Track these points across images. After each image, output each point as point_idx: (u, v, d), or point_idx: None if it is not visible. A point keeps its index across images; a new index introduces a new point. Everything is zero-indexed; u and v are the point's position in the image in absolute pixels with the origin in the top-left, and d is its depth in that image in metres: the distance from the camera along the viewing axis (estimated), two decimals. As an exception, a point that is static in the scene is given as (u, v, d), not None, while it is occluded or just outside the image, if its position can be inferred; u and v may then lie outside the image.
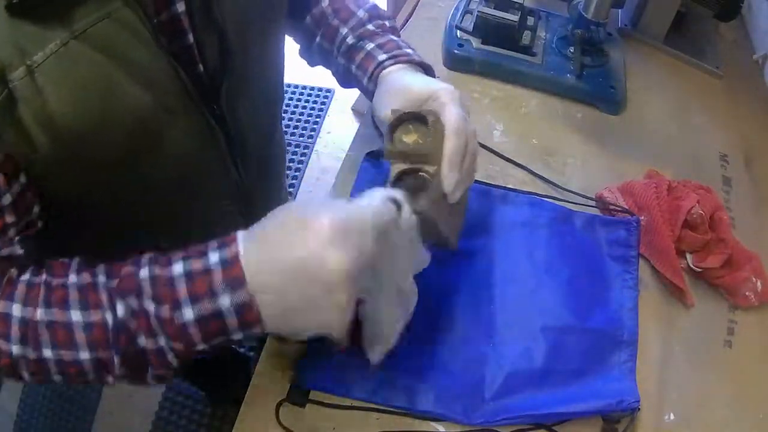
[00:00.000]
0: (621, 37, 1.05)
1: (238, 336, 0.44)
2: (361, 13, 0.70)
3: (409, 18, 1.08)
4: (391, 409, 0.63)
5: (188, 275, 0.42)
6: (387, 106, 0.58)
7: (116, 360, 0.44)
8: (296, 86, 2.27)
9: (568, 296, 0.71)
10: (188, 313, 0.41)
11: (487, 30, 0.94)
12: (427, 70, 0.67)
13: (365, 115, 0.90)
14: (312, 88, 2.26)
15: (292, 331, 0.44)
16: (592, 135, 0.91)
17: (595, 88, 0.94)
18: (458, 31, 0.97)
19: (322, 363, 0.65)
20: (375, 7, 0.72)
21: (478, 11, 0.93)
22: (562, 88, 0.94)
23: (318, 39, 0.71)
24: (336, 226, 0.41)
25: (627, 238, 0.76)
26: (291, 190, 1.97)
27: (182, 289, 0.42)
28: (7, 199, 0.47)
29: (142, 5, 0.47)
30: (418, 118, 0.56)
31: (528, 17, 0.97)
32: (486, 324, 0.69)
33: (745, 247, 0.77)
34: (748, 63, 1.07)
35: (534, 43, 0.96)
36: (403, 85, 0.61)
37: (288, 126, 2.15)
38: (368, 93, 0.67)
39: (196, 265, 0.42)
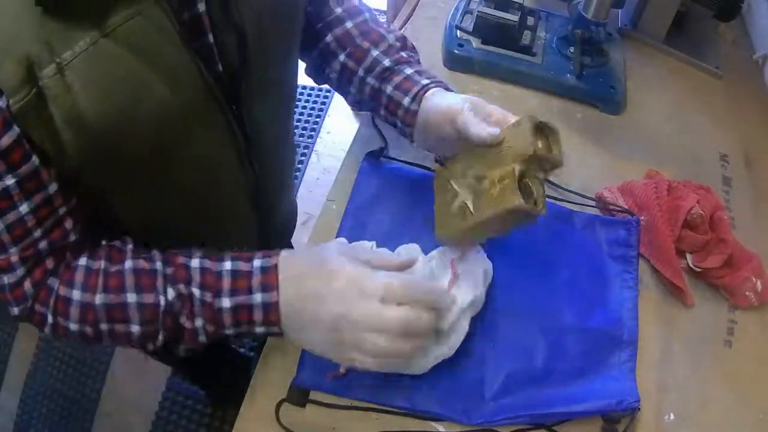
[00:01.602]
0: (621, 37, 1.05)
1: (260, 330, 0.53)
2: (391, 39, 0.71)
3: (409, 18, 1.08)
4: (391, 409, 0.63)
5: (234, 272, 0.51)
6: (455, 106, 0.64)
7: (161, 335, 0.52)
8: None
9: (568, 296, 0.71)
10: (226, 302, 0.50)
11: (487, 30, 0.94)
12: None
13: (365, 115, 0.90)
14: (312, 88, 2.26)
15: (294, 340, 0.54)
16: (592, 135, 0.91)
17: (595, 88, 0.94)
18: (458, 31, 0.97)
19: (322, 363, 0.64)
20: (404, 37, 0.74)
21: (478, 11, 0.93)
22: (562, 88, 0.94)
23: (342, 58, 0.71)
24: (387, 291, 0.50)
25: (627, 237, 0.76)
26: (291, 190, 1.97)
27: (227, 282, 0.51)
28: (54, 187, 0.50)
29: (169, 4, 0.47)
30: (542, 128, 0.60)
31: (528, 17, 0.97)
32: (486, 324, 0.69)
33: (745, 247, 0.77)
34: (748, 63, 1.07)
35: (534, 43, 0.96)
36: (444, 102, 0.65)
37: (288, 126, 2.15)
38: (405, 112, 0.69)
39: (242, 266, 0.52)
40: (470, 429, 0.62)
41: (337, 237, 0.74)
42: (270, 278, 0.50)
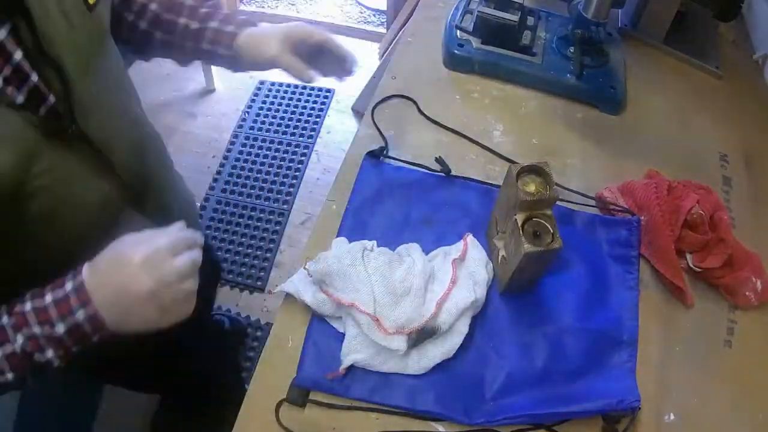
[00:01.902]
0: (621, 37, 1.05)
1: (97, 338, 0.57)
2: (188, 1, 0.80)
3: (409, 18, 1.08)
4: (391, 409, 0.63)
5: (56, 302, 0.56)
6: (272, 49, 0.74)
7: (29, 372, 0.58)
8: (296, 86, 2.27)
9: (569, 296, 0.71)
10: (60, 328, 0.55)
11: (487, 30, 0.94)
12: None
13: (365, 115, 0.90)
14: (312, 88, 2.26)
15: (129, 330, 0.57)
16: (592, 135, 0.91)
17: (595, 88, 0.94)
18: (458, 31, 0.97)
19: (322, 363, 0.64)
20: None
21: (478, 11, 0.93)
22: (562, 88, 0.94)
23: (159, 35, 0.79)
24: (141, 258, 0.56)
25: (628, 237, 0.75)
26: (291, 190, 1.97)
27: (53, 312, 0.56)
28: None
29: None
30: (533, 170, 0.65)
31: (528, 17, 0.97)
32: (486, 324, 0.69)
33: (745, 247, 0.77)
34: (748, 63, 1.07)
35: (534, 43, 0.96)
36: (271, 33, 0.75)
37: (288, 126, 2.15)
38: (222, 59, 0.78)
39: (59, 293, 0.56)
40: (470, 429, 0.62)
41: (337, 236, 0.74)
42: (82, 294, 0.55)
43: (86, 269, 0.57)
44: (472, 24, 0.96)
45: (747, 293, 0.74)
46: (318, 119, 2.18)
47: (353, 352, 0.64)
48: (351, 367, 0.64)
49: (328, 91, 2.26)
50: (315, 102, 2.23)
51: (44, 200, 0.59)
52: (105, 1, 0.66)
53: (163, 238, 0.57)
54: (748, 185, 0.88)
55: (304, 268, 0.67)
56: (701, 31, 1.09)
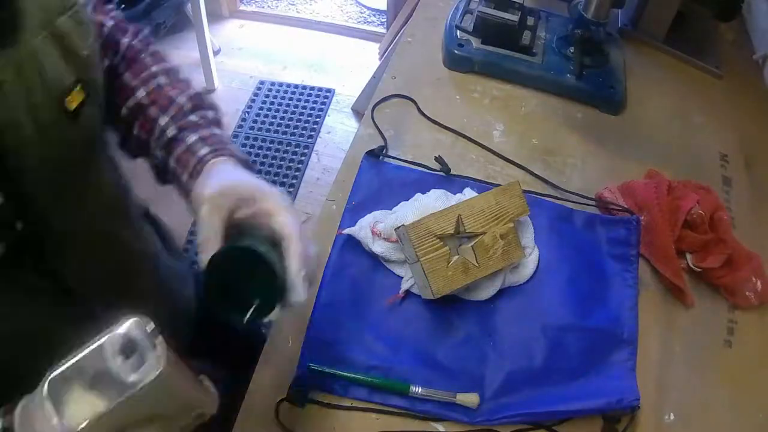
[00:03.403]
0: (621, 37, 1.05)
1: None
2: (182, 100, 0.63)
3: (409, 18, 1.08)
4: (391, 409, 0.63)
5: None
6: (206, 192, 0.53)
7: None
8: (296, 86, 2.27)
9: (569, 295, 0.71)
10: None
11: (487, 30, 0.94)
12: (249, 166, 0.61)
13: (365, 115, 0.90)
14: (312, 88, 2.26)
15: None
16: (592, 135, 0.91)
17: (595, 88, 0.94)
18: (458, 31, 0.97)
19: (321, 362, 0.64)
20: (199, 95, 0.66)
21: (478, 11, 0.93)
22: (562, 88, 0.94)
23: (135, 130, 0.63)
24: None
25: (627, 237, 0.76)
26: (291, 190, 1.97)
27: None
28: None
29: None
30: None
31: (528, 17, 0.97)
32: (486, 323, 0.69)
33: (745, 247, 0.77)
34: (748, 63, 1.07)
35: (534, 43, 0.96)
36: (229, 177, 0.55)
37: (288, 126, 2.15)
38: (183, 190, 0.59)
39: None
40: (470, 429, 0.62)
41: (336, 235, 0.74)
42: None
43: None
44: (472, 24, 0.96)
45: (747, 293, 0.74)
46: (318, 119, 2.18)
47: (407, 281, 0.70)
48: (351, 367, 0.64)
49: (329, 91, 2.26)
50: (315, 102, 2.23)
51: None
52: (93, 99, 0.53)
53: None
54: (748, 185, 0.88)
55: (372, 230, 0.71)
56: (701, 31, 1.09)
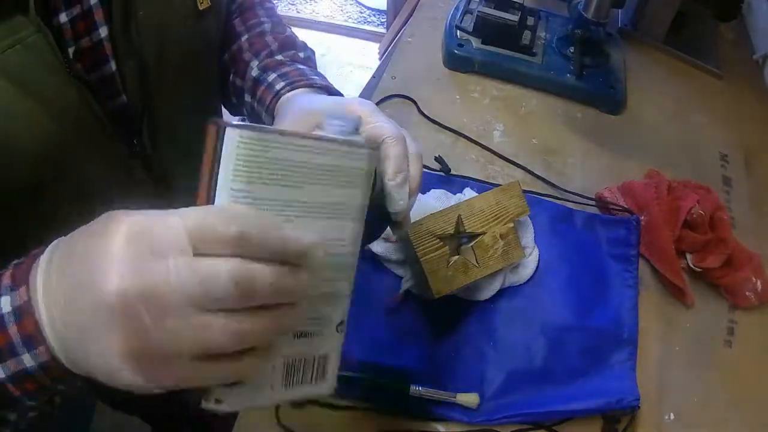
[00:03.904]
0: (621, 37, 1.05)
1: (61, 387, 0.36)
2: (270, 40, 0.63)
3: (409, 18, 1.08)
4: (391, 409, 0.63)
5: None
6: (287, 124, 0.52)
7: None
8: (296, 86, 2.26)
9: (569, 295, 0.71)
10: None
11: (487, 30, 0.94)
12: (331, 92, 0.59)
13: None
14: (312, 88, 2.26)
15: (91, 372, 0.33)
16: (592, 135, 0.91)
17: (595, 88, 0.94)
18: (458, 31, 0.97)
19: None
20: (291, 36, 0.65)
21: (478, 11, 0.93)
22: (562, 88, 0.94)
23: (231, 77, 0.63)
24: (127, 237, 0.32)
25: (627, 236, 0.76)
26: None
27: None
28: None
29: (59, 31, 0.44)
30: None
31: (528, 17, 0.97)
32: (486, 323, 0.69)
33: (745, 247, 0.77)
34: (748, 63, 1.07)
35: (534, 43, 0.96)
36: (303, 106, 0.52)
37: (288, 126, 2.15)
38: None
39: None
40: (470, 429, 0.62)
41: None
42: (28, 320, 0.33)
43: (45, 257, 0.34)
44: (472, 24, 0.95)
45: (747, 293, 0.74)
46: (318, 119, 2.17)
47: (407, 281, 0.69)
48: (350, 368, 0.64)
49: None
50: (315, 102, 2.23)
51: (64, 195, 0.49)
52: (216, 10, 0.57)
53: (191, 220, 0.30)
54: (748, 185, 0.88)
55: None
56: (701, 31, 1.09)
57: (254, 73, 0.60)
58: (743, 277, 0.74)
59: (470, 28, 0.96)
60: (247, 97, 0.61)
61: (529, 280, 0.72)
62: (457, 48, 0.95)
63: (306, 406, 0.63)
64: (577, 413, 0.63)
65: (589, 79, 0.94)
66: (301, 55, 0.63)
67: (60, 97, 0.45)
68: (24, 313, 0.33)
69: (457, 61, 0.96)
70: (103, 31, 0.46)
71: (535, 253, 0.74)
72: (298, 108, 0.53)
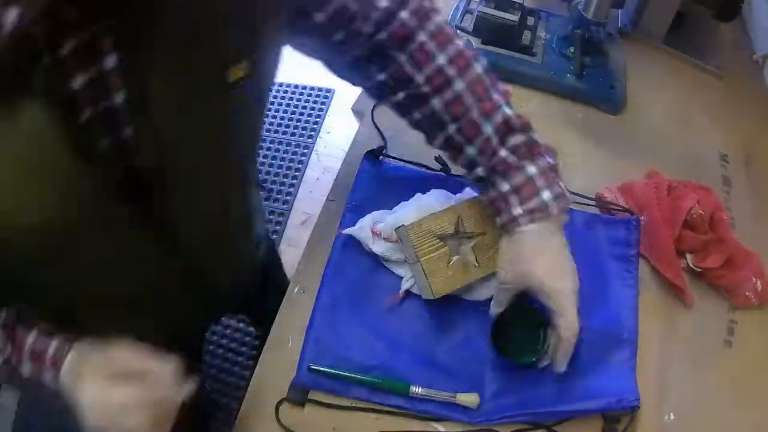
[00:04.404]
0: (621, 37, 1.05)
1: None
2: (488, 130, 0.61)
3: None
4: (391, 409, 0.63)
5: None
6: (512, 276, 0.61)
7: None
8: (296, 86, 2.26)
9: None
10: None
11: (487, 30, 0.94)
12: (561, 215, 0.62)
13: (365, 115, 0.90)
14: (312, 88, 2.26)
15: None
16: (592, 135, 0.91)
17: (595, 88, 0.94)
18: (458, 31, 0.97)
19: (321, 362, 0.64)
20: (506, 118, 0.61)
21: (478, 11, 0.93)
22: (562, 88, 0.94)
23: (451, 130, 0.62)
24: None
25: (627, 237, 0.76)
26: (291, 190, 1.97)
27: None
28: None
29: (71, 99, 0.41)
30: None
31: (528, 17, 0.97)
32: (486, 322, 0.69)
33: (745, 247, 0.77)
34: (748, 63, 1.07)
35: (534, 43, 0.96)
36: (526, 263, 0.60)
37: (288, 126, 2.15)
38: (499, 225, 0.63)
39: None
40: (470, 429, 0.62)
41: (336, 235, 0.74)
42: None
43: (71, 359, 0.52)
44: (472, 24, 0.95)
45: (747, 293, 0.74)
46: (318, 119, 2.18)
47: (407, 281, 0.70)
48: (351, 367, 0.64)
49: (328, 91, 2.26)
50: (315, 102, 2.23)
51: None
52: (261, 77, 0.53)
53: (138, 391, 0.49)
54: (748, 185, 0.88)
55: (372, 230, 0.71)
56: (701, 31, 1.08)
57: (480, 172, 0.62)
58: (743, 277, 0.74)
59: (470, 28, 0.96)
60: (480, 170, 0.63)
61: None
62: (457, 48, 0.95)
63: (306, 405, 0.63)
64: (577, 413, 0.63)
65: (589, 79, 0.94)
66: (522, 138, 0.61)
67: (66, 172, 0.44)
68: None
69: (457, 61, 0.96)
70: (119, 97, 0.43)
71: None
72: (521, 264, 0.61)
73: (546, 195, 0.60)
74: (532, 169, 0.60)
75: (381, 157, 0.82)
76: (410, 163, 0.82)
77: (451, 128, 0.62)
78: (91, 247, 0.50)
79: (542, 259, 0.60)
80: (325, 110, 2.21)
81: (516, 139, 0.61)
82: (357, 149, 0.84)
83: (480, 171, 0.62)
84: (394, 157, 0.83)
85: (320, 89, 2.26)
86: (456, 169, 0.81)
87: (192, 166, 0.52)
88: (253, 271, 0.84)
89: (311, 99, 2.24)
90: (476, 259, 0.67)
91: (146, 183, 0.50)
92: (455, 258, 0.66)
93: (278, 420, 0.61)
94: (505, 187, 0.60)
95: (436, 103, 0.61)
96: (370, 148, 0.82)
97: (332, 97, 2.25)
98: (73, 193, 0.45)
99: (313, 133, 2.14)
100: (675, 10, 1.01)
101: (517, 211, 0.60)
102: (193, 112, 0.49)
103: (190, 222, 0.57)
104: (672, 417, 0.65)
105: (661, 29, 1.04)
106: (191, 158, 0.52)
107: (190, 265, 0.61)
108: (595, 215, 0.79)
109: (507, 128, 0.61)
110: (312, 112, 2.20)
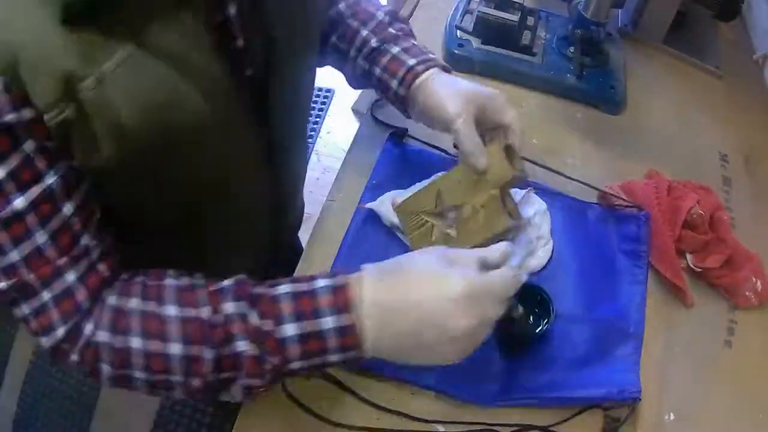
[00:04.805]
0: (621, 37, 1.05)
1: (336, 358, 0.48)
2: (380, 15, 0.72)
3: (409, 18, 1.08)
4: (391, 409, 0.63)
5: (294, 295, 0.48)
6: (451, 108, 0.62)
7: (208, 356, 0.46)
8: (296, 86, 2.27)
9: (578, 286, 0.72)
10: (290, 329, 0.46)
11: (487, 30, 0.94)
12: (450, 72, 0.70)
13: (365, 115, 0.90)
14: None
15: (397, 360, 0.50)
16: (592, 135, 0.91)
17: (595, 88, 0.94)
18: (458, 31, 0.97)
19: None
20: (394, 11, 0.74)
21: (478, 11, 0.93)
22: (562, 88, 0.94)
23: (333, 39, 0.72)
24: (467, 293, 0.47)
25: (637, 233, 0.76)
26: (291, 190, 1.97)
27: (286, 306, 0.47)
28: (69, 208, 0.47)
29: (201, 10, 0.46)
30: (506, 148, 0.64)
31: (528, 17, 0.97)
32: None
33: (745, 247, 0.77)
34: (748, 63, 1.07)
35: (534, 43, 0.96)
36: (458, 89, 0.64)
37: (288, 126, 2.15)
38: (395, 96, 0.69)
39: (302, 287, 0.48)
40: (470, 429, 0.62)
41: (356, 209, 0.75)
42: (342, 296, 0.47)
43: (371, 283, 0.48)
44: (472, 24, 0.95)
45: (747, 293, 0.74)
46: (318, 119, 2.18)
47: None
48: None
49: (328, 91, 2.26)
50: (315, 102, 2.23)
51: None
52: None
53: (498, 281, 0.49)
54: (748, 185, 0.88)
55: (393, 204, 0.72)
56: (701, 31, 1.09)
57: (373, 43, 0.69)
58: (743, 277, 0.74)
59: (470, 28, 0.96)
60: (361, 62, 0.71)
61: (541, 270, 0.73)
62: (457, 48, 0.95)
63: (310, 379, 0.63)
64: (579, 401, 0.63)
65: (589, 79, 0.94)
66: (406, 28, 0.73)
67: (208, 72, 0.48)
68: (340, 290, 0.48)
69: (457, 61, 0.96)
70: (233, 9, 0.49)
71: (550, 244, 0.74)
72: (451, 92, 0.64)
73: (429, 52, 0.70)
74: (413, 41, 0.72)
75: (404, 139, 0.83)
76: (431, 146, 0.83)
77: (349, 18, 0.72)
78: (216, 146, 0.53)
79: (463, 83, 0.65)
80: (325, 110, 2.21)
81: (401, 25, 0.73)
82: (357, 149, 0.84)
83: (374, 42, 0.69)
84: (416, 139, 0.83)
85: (320, 89, 2.26)
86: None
87: (292, 77, 0.59)
88: (296, 215, 0.94)
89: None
90: (457, 231, 0.65)
91: (260, 95, 0.56)
92: (436, 233, 0.66)
93: (284, 387, 0.61)
94: (395, 49, 0.69)
95: (342, 6, 0.73)
96: (370, 148, 0.82)
97: (332, 97, 2.25)
98: (212, 91, 0.49)
99: (313, 133, 2.14)
100: (675, 10, 1.01)
101: (411, 61, 0.67)
102: (294, 21, 0.56)
103: (284, 137, 0.64)
104: (672, 417, 0.65)
105: (661, 29, 1.04)
106: (293, 70, 0.59)
107: (273, 135, 0.63)
108: (607, 210, 0.79)
109: (393, 17, 0.73)
110: (312, 112, 2.20)
